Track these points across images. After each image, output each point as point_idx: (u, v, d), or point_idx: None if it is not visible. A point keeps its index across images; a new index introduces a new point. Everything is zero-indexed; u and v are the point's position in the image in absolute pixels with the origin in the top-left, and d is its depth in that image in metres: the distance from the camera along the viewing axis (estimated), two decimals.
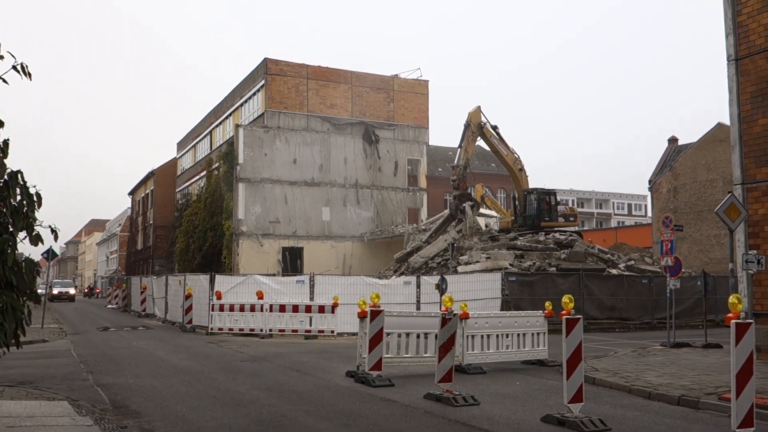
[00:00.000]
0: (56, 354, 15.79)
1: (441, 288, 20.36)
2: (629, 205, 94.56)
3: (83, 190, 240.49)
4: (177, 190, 58.86)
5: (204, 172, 47.78)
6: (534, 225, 32.01)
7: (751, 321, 6.63)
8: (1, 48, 3.56)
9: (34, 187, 4.89)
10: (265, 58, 39.91)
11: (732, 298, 6.61)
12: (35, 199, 5.16)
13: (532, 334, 13.80)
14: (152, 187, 63.02)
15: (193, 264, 44.33)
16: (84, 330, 23.94)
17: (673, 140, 44.04)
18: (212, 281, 22.60)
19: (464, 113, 32.46)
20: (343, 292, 21.00)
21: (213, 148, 48.80)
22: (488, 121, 32.93)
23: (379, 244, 39.96)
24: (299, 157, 39.24)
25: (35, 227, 5.19)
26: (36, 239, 5.03)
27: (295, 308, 20.55)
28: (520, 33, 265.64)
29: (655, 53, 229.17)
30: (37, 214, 5.29)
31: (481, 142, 34.18)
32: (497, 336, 13.32)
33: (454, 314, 10.08)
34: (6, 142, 4.25)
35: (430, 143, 45.12)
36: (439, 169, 62.95)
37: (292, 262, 38.26)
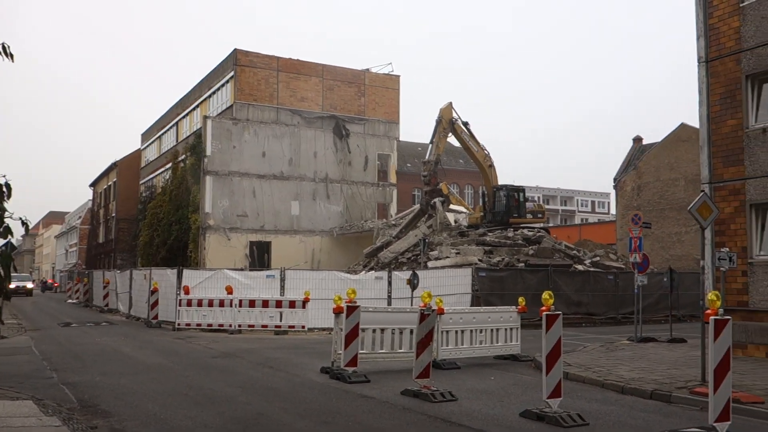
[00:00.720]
0: (16, 351, 15.26)
1: (412, 283, 20.32)
2: (593, 203, 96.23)
3: (41, 181, 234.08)
4: (141, 182, 57.70)
5: (169, 164, 46.86)
6: (502, 221, 32.27)
7: (729, 318, 6.74)
8: None
9: (4, 177, 4.62)
10: (235, 49, 39.33)
11: (711, 295, 6.70)
12: (4, 189, 4.90)
13: (506, 329, 13.88)
14: (115, 179, 61.64)
15: (157, 258, 43.50)
16: (44, 326, 23.24)
17: (637, 140, 44.87)
18: (180, 276, 22.15)
19: (435, 110, 32.55)
20: (314, 287, 20.80)
21: (179, 140, 47.94)
22: (459, 118, 33.05)
23: (348, 238, 39.81)
24: (268, 150, 38.81)
25: (4, 219, 4.96)
26: (6, 232, 4.79)
27: (265, 303, 20.30)
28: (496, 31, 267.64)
29: (622, 55, 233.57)
30: (6, 205, 5.03)
31: (450, 139, 34.33)
32: (471, 331, 13.35)
33: (433, 310, 10.04)
34: None
35: (400, 139, 45.10)
36: (408, 165, 63.06)
37: (259, 256, 37.86)
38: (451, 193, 41.29)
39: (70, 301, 42.88)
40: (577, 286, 24.73)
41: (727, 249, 10.84)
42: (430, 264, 26.05)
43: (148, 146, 57.97)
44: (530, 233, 30.81)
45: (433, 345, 10.30)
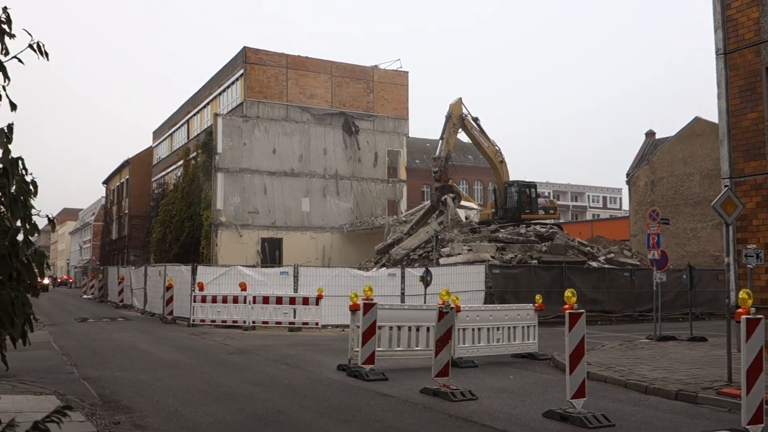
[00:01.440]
0: (36, 346, 15.19)
1: (425, 280, 20.23)
2: (604, 198, 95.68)
3: (56, 179, 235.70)
4: (153, 179, 57.87)
5: (181, 162, 46.99)
6: (514, 217, 32.08)
7: (761, 317, 6.59)
8: (13, 26, 3.27)
9: (31, 174, 4.57)
10: (244, 47, 39.29)
11: (742, 294, 6.56)
12: (31, 188, 4.83)
13: (523, 327, 13.75)
14: (127, 176, 61.90)
15: (170, 254, 43.64)
16: (62, 321, 23.36)
17: (650, 134, 44.50)
18: (194, 272, 22.19)
19: (444, 105, 32.41)
20: (327, 284, 20.76)
21: (190, 138, 48.00)
22: (469, 113, 32.87)
23: (358, 235, 39.74)
24: (279, 147, 38.78)
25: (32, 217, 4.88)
26: (33, 229, 4.72)
27: (279, 300, 20.27)
28: (512, 34, 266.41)
29: (634, 47, 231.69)
30: (33, 202, 4.96)
31: (461, 135, 34.15)
32: (488, 329, 13.24)
33: (451, 308, 9.94)
34: (11, 127, 3.95)
35: (409, 135, 44.94)
36: (417, 161, 62.89)
37: (271, 253, 37.87)
38: (458, 190, 41.17)
39: (85, 296, 43.13)
40: (593, 284, 24.53)
41: (754, 246, 10.64)
42: (441, 261, 25.92)
43: (159, 144, 58.12)
44: (543, 229, 30.62)
45: (451, 343, 10.20)
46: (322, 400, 9.11)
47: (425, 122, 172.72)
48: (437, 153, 32.71)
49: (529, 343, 13.78)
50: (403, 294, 21.84)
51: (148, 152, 61.39)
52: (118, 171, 66.84)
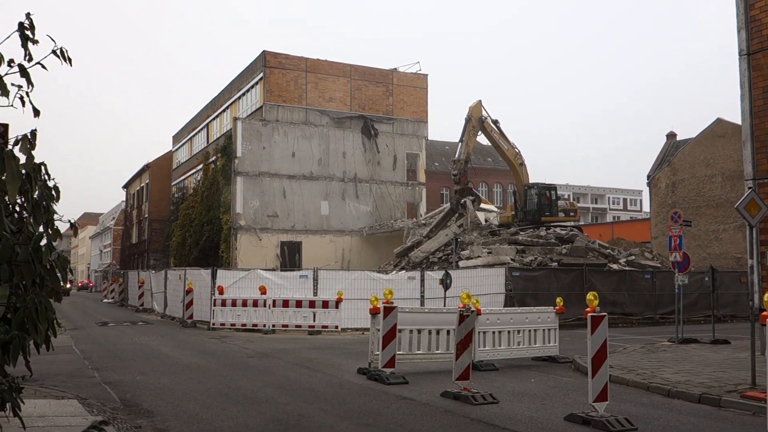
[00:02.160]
0: (58, 350, 15.41)
1: (445, 283, 20.15)
2: (625, 200, 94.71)
3: (76, 183, 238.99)
4: (173, 183, 58.36)
5: (201, 166, 47.32)
6: (534, 220, 31.89)
7: None
8: (36, 32, 3.31)
9: (53, 179, 4.63)
10: (264, 51, 39.51)
11: (767, 297, 6.42)
12: (53, 193, 4.89)
13: (543, 330, 13.64)
14: (147, 181, 62.49)
15: (189, 258, 43.98)
16: (83, 325, 23.62)
17: (671, 135, 43.96)
18: (214, 276, 22.32)
19: (463, 108, 32.30)
20: (347, 287, 20.77)
21: (210, 142, 48.36)
22: (489, 116, 32.71)
23: (378, 238, 39.73)
24: (298, 150, 38.93)
25: (54, 222, 4.93)
26: (56, 234, 4.76)
27: (299, 303, 20.32)
28: (524, 38, 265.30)
29: (655, 48, 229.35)
30: (55, 208, 5.02)
31: (480, 137, 34.02)
32: (509, 332, 13.16)
33: (472, 311, 9.89)
34: (34, 133, 3.99)
35: (428, 138, 44.85)
36: (437, 164, 62.84)
37: (290, 256, 38.00)
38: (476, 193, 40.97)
39: (105, 300, 43.60)
40: (613, 286, 24.27)
41: None
42: (461, 264, 25.83)
43: (179, 148, 58.62)
44: (563, 232, 30.38)
45: (472, 346, 10.15)
46: (342, 403, 9.10)
47: (445, 125, 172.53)
48: (457, 156, 32.61)
49: (549, 346, 13.67)
50: (422, 297, 21.77)
51: (168, 156, 61.94)
52: (138, 175, 67.53)
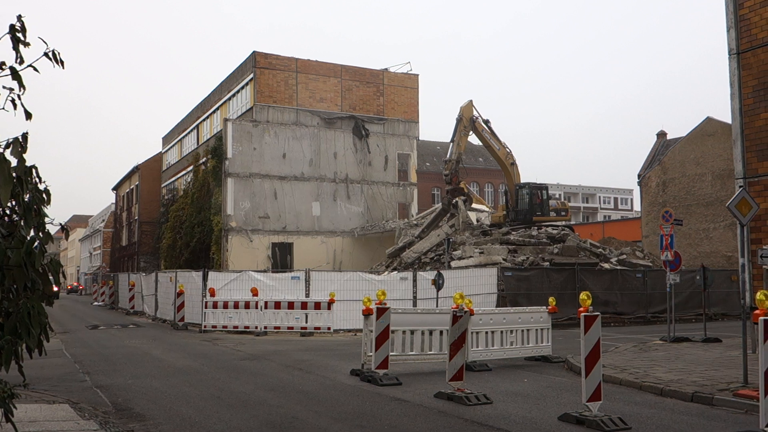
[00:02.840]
0: (48, 354, 15.23)
1: (437, 283, 20.20)
2: (615, 199, 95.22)
3: (65, 186, 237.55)
4: (162, 185, 58.13)
5: (191, 167, 47.19)
6: (526, 219, 32.02)
7: None
8: (28, 34, 3.29)
9: (44, 182, 4.61)
10: (254, 51, 39.45)
11: (759, 295, 6.49)
12: (44, 196, 4.86)
13: (536, 330, 13.68)
14: (137, 182, 62.20)
15: (180, 260, 43.83)
16: (73, 328, 23.48)
17: (662, 134, 44.24)
18: (205, 278, 22.26)
19: (454, 108, 32.42)
20: (339, 288, 20.76)
21: (200, 143, 48.21)
22: (480, 116, 32.83)
23: (369, 239, 39.74)
24: (289, 151, 38.87)
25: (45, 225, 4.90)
26: (47, 238, 4.74)
27: (291, 305, 20.29)
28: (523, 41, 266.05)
29: (645, 48, 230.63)
30: (46, 211, 4.99)
31: (471, 137, 34.10)
32: (501, 332, 13.18)
33: (465, 311, 9.90)
34: (25, 136, 3.98)
35: (419, 138, 44.91)
36: (428, 164, 62.95)
37: (281, 257, 37.94)
38: (470, 192, 41.05)
39: (96, 303, 43.34)
40: (605, 285, 24.40)
41: None
42: (453, 264, 25.88)
43: (169, 149, 58.41)
44: (554, 231, 30.51)
45: (466, 347, 10.17)
46: (336, 405, 9.10)
47: (436, 125, 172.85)
48: (448, 156, 32.69)
49: (542, 345, 13.71)
50: (415, 297, 21.80)
51: (158, 158, 61.70)
52: (127, 177, 67.20)
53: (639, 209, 48.36)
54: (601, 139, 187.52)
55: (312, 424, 8.00)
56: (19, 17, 3.32)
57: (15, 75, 3.33)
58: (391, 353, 11.23)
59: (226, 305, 20.93)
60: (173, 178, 54.45)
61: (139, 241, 59.91)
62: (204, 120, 48.22)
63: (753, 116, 14.40)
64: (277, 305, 20.28)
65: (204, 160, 43.58)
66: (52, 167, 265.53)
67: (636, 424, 7.83)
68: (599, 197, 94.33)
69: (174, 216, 47.26)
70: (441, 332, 11.95)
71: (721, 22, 15.26)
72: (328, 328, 19.92)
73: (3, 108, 3.43)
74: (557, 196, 74.54)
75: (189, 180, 47.46)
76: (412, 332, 11.93)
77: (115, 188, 74.08)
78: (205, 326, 21.04)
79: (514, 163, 33.80)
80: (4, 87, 3.31)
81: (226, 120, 39.20)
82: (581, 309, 8.23)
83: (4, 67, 3.32)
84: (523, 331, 13.49)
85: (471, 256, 26.66)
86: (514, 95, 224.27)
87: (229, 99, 43.37)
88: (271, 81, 39.32)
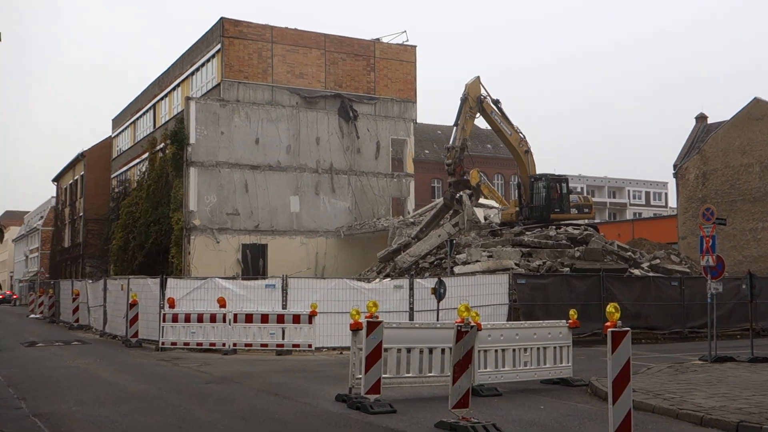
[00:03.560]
0: None
1: (438, 293, 20.28)
2: (647, 194, 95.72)
3: None
4: (112, 175, 58.05)
5: (146, 155, 47.12)
6: (542, 217, 32.12)
7: None
8: None
9: None
10: (222, 18, 39.37)
11: None
12: None
13: (554, 348, 13.77)
14: (82, 172, 62.04)
15: (133, 264, 43.74)
16: (6, 346, 23.52)
17: (701, 118, 44.53)
18: (163, 286, 22.25)
19: (459, 86, 32.49)
20: (322, 298, 20.77)
21: (157, 126, 48.13)
22: (489, 95, 32.87)
23: (357, 240, 39.80)
24: (262, 136, 38.84)
25: None
26: None
27: (265, 318, 20.29)
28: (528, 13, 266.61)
29: (682, 20, 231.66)
30: None
31: (479, 120, 34.16)
32: (514, 351, 13.25)
33: (471, 326, 9.94)
34: None
35: (417, 121, 44.99)
36: (427, 151, 63.10)
37: (254, 262, 37.94)
38: (483, 183, 41.13)
39: (33, 315, 43.22)
40: (635, 295, 24.56)
41: None
42: (457, 269, 25.97)
43: (120, 133, 58.28)
44: (576, 231, 30.66)
45: (471, 368, 10.20)
46: None
47: (437, 106, 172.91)
48: (451, 142, 32.73)
49: (561, 366, 13.79)
50: (411, 310, 21.86)
51: (107, 143, 61.52)
52: (71, 166, 66.99)
53: (675, 206, 48.64)
54: (630, 122, 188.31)
55: None
56: None
57: None
58: (383, 375, 11.28)
59: (188, 318, 20.92)
60: (125, 168, 54.33)
61: (84, 242, 59.79)
62: (162, 99, 48.12)
63: None
64: (249, 318, 20.27)
65: (162, 146, 43.46)
66: None
67: None
68: (628, 191, 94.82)
69: (126, 212, 47.18)
70: (443, 351, 11.99)
71: None
72: (309, 346, 19.93)
73: None
74: (579, 189, 74.88)
75: (144, 170, 47.35)
76: (408, 351, 11.96)
77: (56, 179, 73.86)
78: (163, 343, 21.03)
79: (528, 151, 33.86)
80: None
81: (188, 99, 39.10)
82: (608, 323, 8.29)
83: None
84: (539, 349, 13.55)
85: (478, 261, 26.76)
86: (527, 70, 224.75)
87: (192, 74, 43.27)
88: (241, 53, 39.23)
